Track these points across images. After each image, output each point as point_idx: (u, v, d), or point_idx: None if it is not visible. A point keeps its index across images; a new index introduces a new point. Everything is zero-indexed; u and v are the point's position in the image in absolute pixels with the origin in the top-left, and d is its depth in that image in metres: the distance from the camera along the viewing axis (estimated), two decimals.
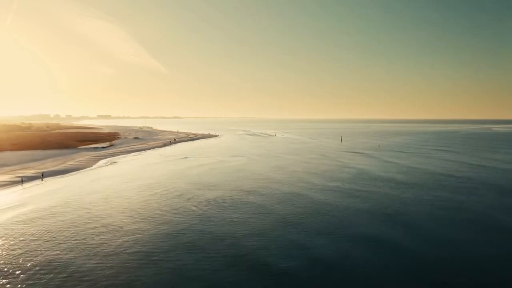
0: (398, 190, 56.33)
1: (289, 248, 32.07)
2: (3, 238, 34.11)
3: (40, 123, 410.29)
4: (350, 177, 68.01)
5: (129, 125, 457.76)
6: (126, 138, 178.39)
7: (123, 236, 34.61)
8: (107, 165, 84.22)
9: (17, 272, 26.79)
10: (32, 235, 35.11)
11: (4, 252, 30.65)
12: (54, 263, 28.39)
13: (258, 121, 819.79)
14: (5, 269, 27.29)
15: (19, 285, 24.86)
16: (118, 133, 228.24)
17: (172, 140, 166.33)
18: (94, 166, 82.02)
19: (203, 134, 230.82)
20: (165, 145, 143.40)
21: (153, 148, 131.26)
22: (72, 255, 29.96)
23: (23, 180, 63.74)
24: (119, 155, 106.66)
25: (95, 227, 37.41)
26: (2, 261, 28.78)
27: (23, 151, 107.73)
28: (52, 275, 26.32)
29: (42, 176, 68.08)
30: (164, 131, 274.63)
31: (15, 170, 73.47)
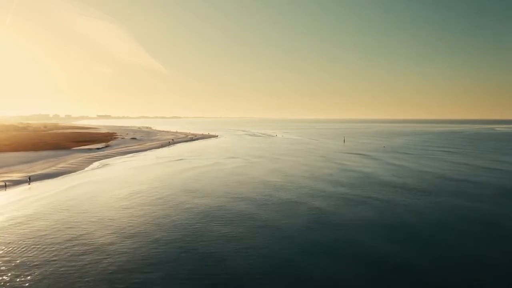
0: (411, 197, 51.79)
1: (283, 270, 27.38)
2: None
3: (38, 123, 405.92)
4: (356, 182, 63.34)
5: (128, 125, 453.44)
6: (123, 138, 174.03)
7: (88, 253, 30.19)
8: (99, 168, 79.78)
9: None
10: None
11: None
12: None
13: (258, 121, 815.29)
14: None
15: None
16: (115, 133, 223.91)
17: (171, 141, 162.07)
18: (85, 169, 77.64)
19: (202, 134, 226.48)
20: (162, 146, 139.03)
21: (150, 149, 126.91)
22: (34, 276, 25.55)
23: (6, 184, 59.31)
24: (113, 156, 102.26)
25: (64, 242, 32.97)
26: None
27: (14, 153, 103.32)
28: None
29: (29, 180, 63.68)
30: (163, 131, 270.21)
31: (1, 173, 69.04)
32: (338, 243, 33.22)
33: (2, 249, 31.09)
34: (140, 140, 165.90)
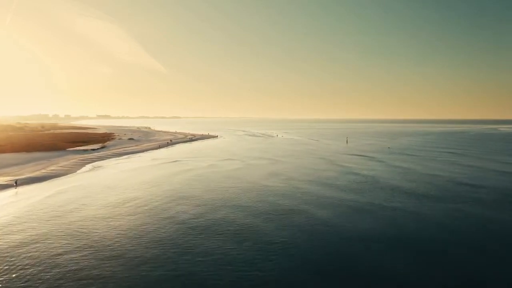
0: (424, 204, 47.66)
1: None
2: None
3: (36, 123, 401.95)
4: (363, 187, 59.09)
5: (128, 125, 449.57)
6: (120, 139, 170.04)
7: (59, 277, 26.25)
8: (90, 171, 75.69)
9: None
10: None
11: None
12: None
13: (258, 121, 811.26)
14: None
15: None
16: (113, 133, 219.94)
17: (169, 142, 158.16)
18: (77, 172, 73.67)
19: (202, 134, 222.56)
20: (160, 147, 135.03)
21: (147, 150, 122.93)
22: None
23: None
24: (108, 158, 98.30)
25: (32, 260, 29.04)
26: None
27: (5, 154, 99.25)
28: None
29: (16, 184, 59.79)
30: (162, 131, 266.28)
31: None
32: (341, 260, 29.22)
33: None
34: (137, 141, 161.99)
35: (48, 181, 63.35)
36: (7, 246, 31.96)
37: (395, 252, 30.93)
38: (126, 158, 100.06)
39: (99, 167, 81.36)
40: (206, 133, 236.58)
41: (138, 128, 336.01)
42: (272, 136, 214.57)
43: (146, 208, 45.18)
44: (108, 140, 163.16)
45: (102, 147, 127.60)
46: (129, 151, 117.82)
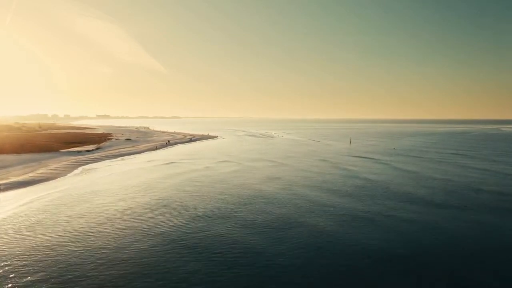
0: (444, 215, 43.19)
1: None
2: None
3: (33, 123, 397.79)
4: (372, 195, 54.50)
5: (127, 125, 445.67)
6: (117, 139, 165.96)
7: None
8: (81, 174, 71.43)
9: None
10: None
11: None
12: None
13: (258, 121, 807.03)
14: None
15: None
16: (110, 134, 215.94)
17: (167, 142, 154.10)
18: (67, 175, 69.49)
19: (202, 135, 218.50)
20: (157, 148, 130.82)
21: (143, 151, 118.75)
22: None
23: None
24: (102, 160, 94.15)
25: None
26: None
27: None
28: None
29: None
30: (161, 131, 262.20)
31: None
32: (346, 281, 25.13)
33: None
34: (135, 141, 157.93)
35: (34, 185, 59.11)
36: None
37: (407, 273, 26.81)
38: (120, 160, 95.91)
39: (90, 169, 77.18)
40: (206, 134, 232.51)
41: (136, 128, 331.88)
42: (272, 137, 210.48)
43: (124, 219, 40.24)
44: (105, 140, 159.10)
45: (97, 148, 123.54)
46: (125, 152, 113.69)
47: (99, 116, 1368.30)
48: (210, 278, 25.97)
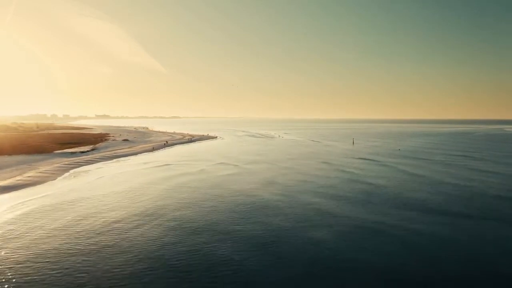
0: (464, 228, 39.20)
1: None
2: None
3: (31, 123, 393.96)
4: (378, 203, 50.15)
5: (126, 125, 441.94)
6: (114, 140, 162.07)
7: None
8: (72, 178, 67.52)
9: None
10: None
11: None
12: None
13: (259, 121, 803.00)
14: None
15: None
16: (108, 134, 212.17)
17: (165, 143, 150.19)
18: (57, 179, 65.64)
19: (202, 135, 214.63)
20: (154, 149, 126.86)
21: (140, 152, 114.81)
22: None
23: None
24: (96, 162, 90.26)
25: None
26: None
27: None
28: None
29: None
30: (159, 132, 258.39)
31: None
32: None
33: None
34: (132, 142, 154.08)
35: (18, 191, 55.15)
36: None
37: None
38: (115, 162, 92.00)
39: (82, 172, 73.33)
40: (206, 134, 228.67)
41: (135, 128, 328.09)
42: (272, 137, 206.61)
43: (100, 233, 36.01)
44: (101, 141, 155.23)
45: (93, 149, 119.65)
46: (120, 153, 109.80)
47: (98, 116, 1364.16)
48: None
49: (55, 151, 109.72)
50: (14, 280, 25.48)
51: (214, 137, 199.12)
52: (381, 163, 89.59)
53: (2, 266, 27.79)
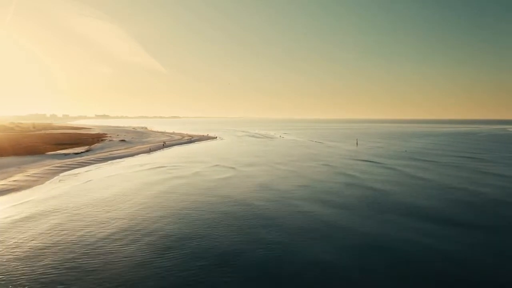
0: (479, 246, 35.31)
1: None
2: None
3: (28, 123, 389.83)
4: (387, 212, 46.35)
5: (125, 125, 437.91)
6: (111, 141, 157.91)
7: None
8: (60, 181, 63.20)
9: None
10: None
11: None
12: None
13: (259, 121, 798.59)
14: None
15: None
16: (105, 134, 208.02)
17: (163, 144, 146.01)
18: (44, 183, 61.40)
19: (201, 135, 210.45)
20: (150, 150, 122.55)
21: (136, 154, 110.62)
22: None
23: None
24: (88, 164, 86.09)
25: None
26: None
27: None
28: None
29: None
30: (158, 132, 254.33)
31: None
32: None
33: None
34: (129, 143, 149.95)
35: (3, 196, 51.10)
36: None
37: None
38: (108, 164, 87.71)
39: (72, 176, 69.17)
40: (205, 134, 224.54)
41: (134, 128, 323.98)
42: (273, 137, 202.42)
43: (68, 248, 32.16)
44: (98, 142, 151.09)
45: (87, 151, 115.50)
46: (115, 155, 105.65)
47: (98, 116, 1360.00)
48: None
49: (47, 152, 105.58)
50: None
51: (214, 138, 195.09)
52: (389, 166, 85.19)
53: None
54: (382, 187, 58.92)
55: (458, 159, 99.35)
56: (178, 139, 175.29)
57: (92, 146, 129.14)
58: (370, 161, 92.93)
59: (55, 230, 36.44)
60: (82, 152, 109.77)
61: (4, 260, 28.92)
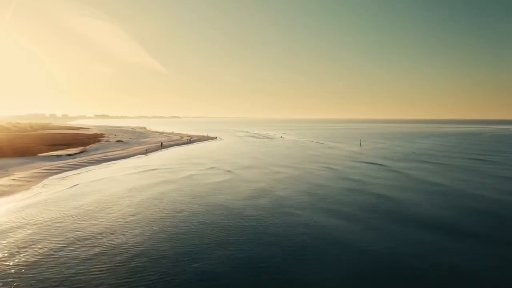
0: (498, 262, 31.34)
1: None
2: None
3: (26, 123, 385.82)
4: (402, 223, 42.72)
5: (124, 125, 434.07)
6: (107, 141, 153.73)
7: None
8: (43, 186, 58.99)
9: None
10: None
11: None
12: None
13: (259, 121, 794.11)
14: None
15: None
16: (103, 134, 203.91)
17: (162, 144, 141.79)
18: (31, 188, 57.17)
19: (201, 135, 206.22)
20: (147, 151, 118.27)
21: (132, 155, 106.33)
22: None
23: None
24: (80, 167, 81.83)
25: None
26: None
27: None
28: None
29: None
30: (157, 132, 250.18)
31: None
32: None
33: None
34: (126, 143, 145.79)
35: None
36: None
37: None
38: (100, 166, 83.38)
39: (60, 180, 64.90)
40: (205, 134, 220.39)
41: (132, 128, 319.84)
42: (273, 138, 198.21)
43: (36, 263, 28.25)
44: (94, 142, 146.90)
45: (82, 152, 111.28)
46: (110, 156, 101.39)
47: (97, 116, 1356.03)
48: None
49: (39, 154, 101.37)
50: None
51: (214, 138, 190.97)
52: (397, 169, 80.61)
53: None
54: (393, 194, 54.42)
55: (468, 161, 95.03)
56: (177, 140, 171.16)
57: (87, 147, 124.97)
58: (376, 164, 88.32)
59: (16, 247, 31.85)
60: (75, 154, 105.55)
61: None
